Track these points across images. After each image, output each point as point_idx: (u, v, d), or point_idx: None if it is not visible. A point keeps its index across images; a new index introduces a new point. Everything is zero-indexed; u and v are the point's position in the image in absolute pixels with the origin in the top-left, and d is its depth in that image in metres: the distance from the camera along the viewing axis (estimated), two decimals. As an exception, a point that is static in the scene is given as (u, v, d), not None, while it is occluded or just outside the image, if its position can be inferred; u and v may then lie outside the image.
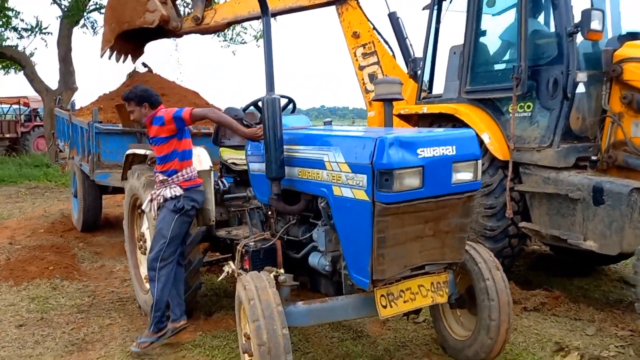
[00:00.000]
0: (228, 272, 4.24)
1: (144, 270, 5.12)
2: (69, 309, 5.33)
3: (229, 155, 5.40)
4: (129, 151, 5.46)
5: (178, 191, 4.27)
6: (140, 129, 6.64)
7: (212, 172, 4.93)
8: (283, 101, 4.92)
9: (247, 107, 4.63)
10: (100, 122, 6.82)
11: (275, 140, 3.68)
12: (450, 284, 3.62)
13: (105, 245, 7.85)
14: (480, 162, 3.36)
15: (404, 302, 3.36)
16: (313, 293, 4.35)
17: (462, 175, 3.28)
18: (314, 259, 3.77)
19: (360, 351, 4.25)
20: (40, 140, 20.73)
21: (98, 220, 8.71)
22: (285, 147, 3.75)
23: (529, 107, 5.11)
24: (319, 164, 3.47)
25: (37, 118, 21.72)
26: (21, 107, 22.19)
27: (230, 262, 4.28)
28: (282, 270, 3.96)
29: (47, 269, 6.48)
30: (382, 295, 3.31)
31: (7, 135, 20.84)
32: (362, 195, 3.12)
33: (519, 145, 5.11)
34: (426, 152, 3.12)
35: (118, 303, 5.53)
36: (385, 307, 3.31)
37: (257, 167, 4.26)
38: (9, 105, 22.74)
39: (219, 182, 5.12)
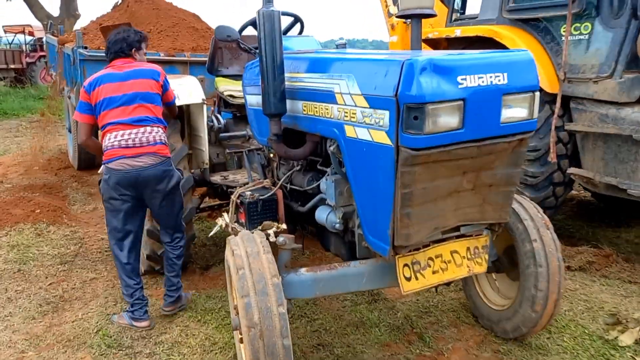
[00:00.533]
0: (221, 227, 3.58)
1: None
2: (50, 260, 4.77)
3: (226, 87, 4.63)
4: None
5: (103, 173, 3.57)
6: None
7: (204, 106, 4.20)
8: (288, 20, 4.12)
9: (244, 27, 3.82)
10: (86, 48, 6.03)
11: (273, 66, 2.90)
12: (489, 247, 2.91)
13: (101, 186, 7.25)
14: (538, 94, 2.57)
15: (433, 273, 2.67)
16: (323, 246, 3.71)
17: (514, 111, 2.50)
18: (322, 214, 3.07)
19: (376, 318, 3.63)
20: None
21: (95, 158, 8.08)
22: (287, 75, 2.98)
23: (586, 28, 4.21)
24: (328, 97, 2.71)
25: (43, 48, 20.86)
26: (26, 36, 21.30)
27: (225, 214, 3.61)
28: (283, 226, 3.30)
29: (34, 212, 5.92)
30: (406, 265, 2.62)
31: (12, 66, 20.04)
32: (382, 138, 2.38)
33: (572, 75, 4.26)
34: (469, 81, 2.34)
35: (106, 253, 4.95)
36: (409, 279, 2.63)
37: (255, 100, 3.50)
38: (13, 35, 21.85)
39: (213, 118, 4.38)
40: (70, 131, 8.05)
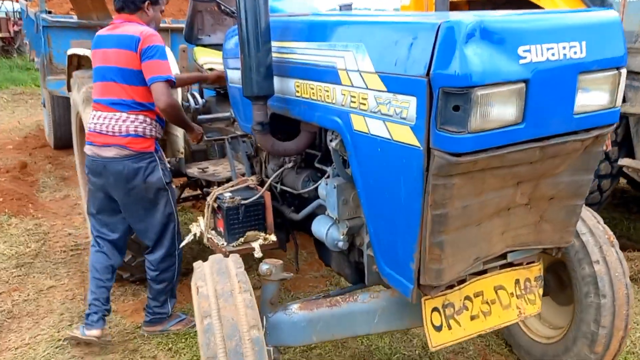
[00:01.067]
0: (195, 235, 2.88)
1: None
2: (5, 262, 4.09)
3: (207, 58, 3.86)
4: (70, 51, 3.96)
5: None
6: (101, 22, 5.09)
7: (178, 83, 3.45)
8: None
9: (225, -16, 3.07)
10: (49, 13, 5.23)
11: (256, 32, 2.15)
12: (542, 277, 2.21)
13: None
14: (624, 72, 1.83)
15: (472, 318, 1.97)
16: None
17: (592, 97, 1.78)
18: (320, 228, 2.36)
19: (387, 347, 2.95)
20: (35, 40, 19.01)
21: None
22: (274, 44, 2.24)
23: (647, -14, 3.44)
24: (329, 75, 1.98)
25: (31, 16, 19.85)
26: (14, 3, 20.28)
27: (200, 219, 2.90)
28: (272, 237, 2.62)
29: (-5, 200, 5.22)
30: (435, 310, 1.92)
31: (-1, 35, 19.12)
32: (406, 136, 1.66)
33: (628, 44, 3.48)
34: (535, 54, 1.60)
35: (72, 252, 4.28)
36: (439, 328, 1.93)
37: (237, 76, 2.74)
38: (0, 2, 20.82)
39: (189, 96, 3.63)
40: (45, 106, 7.29)
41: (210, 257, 2.09)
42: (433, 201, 1.65)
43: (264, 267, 2.08)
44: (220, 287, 1.87)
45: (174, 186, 3.22)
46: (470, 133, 1.55)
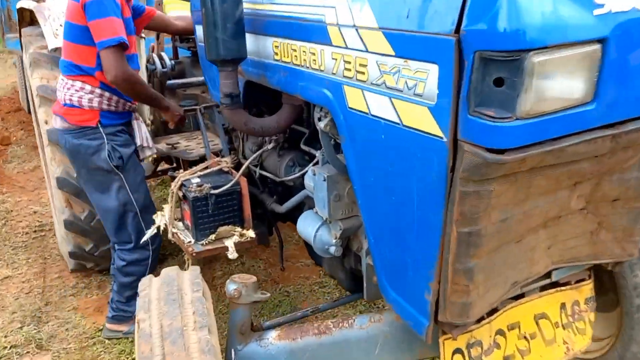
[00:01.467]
0: (159, 228, 2.39)
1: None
2: (-42, 247, 3.63)
3: (178, 12, 3.29)
4: (19, 4, 3.39)
5: None
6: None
7: (141, 42, 2.91)
8: None
9: None
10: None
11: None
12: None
13: (51, 135, 6.00)
14: None
15: (505, 359, 1.50)
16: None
17: (684, 64, 1.26)
18: (307, 228, 1.86)
19: None
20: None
21: (50, 99, 6.77)
22: (246, -8, 1.71)
23: None
24: (316, 32, 1.46)
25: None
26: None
27: (166, 208, 2.41)
28: (250, 233, 2.15)
29: (-44, 173, 4.73)
30: (458, 352, 1.45)
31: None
32: (421, 121, 1.16)
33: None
34: (615, 1, 1.08)
35: (35, 234, 3.81)
36: (462, 374, 1.46)
37: (206, 34, 2.21)
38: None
39: (155, 57, 3.07)
40: (16, 66, 6.71)
41: (162, 272, 1.61)
42: (460, 214, 1.16)
43: (231, 287, 1.59)
44: (167, 322, 1.39)
45: (141, 167, 2.70)
46: (519, 119, 1.04)
